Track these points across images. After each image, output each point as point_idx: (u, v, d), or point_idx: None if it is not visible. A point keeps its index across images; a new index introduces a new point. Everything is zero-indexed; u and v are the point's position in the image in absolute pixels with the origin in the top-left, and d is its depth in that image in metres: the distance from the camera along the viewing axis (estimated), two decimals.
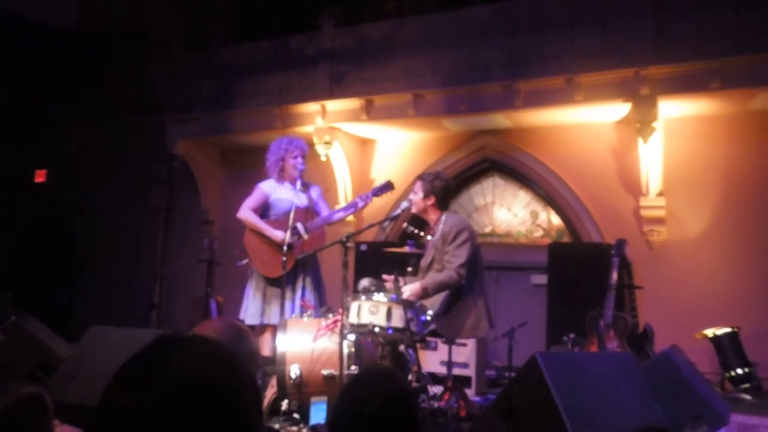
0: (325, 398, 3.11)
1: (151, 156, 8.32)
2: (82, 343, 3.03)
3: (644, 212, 6.03)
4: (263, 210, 4.50)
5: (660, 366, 3.10)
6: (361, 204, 4.38)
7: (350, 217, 6.60)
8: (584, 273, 5.34)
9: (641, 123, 5.78)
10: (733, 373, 4.87)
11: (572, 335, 4.66)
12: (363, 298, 3.46)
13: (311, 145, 5.47)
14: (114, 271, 8.43)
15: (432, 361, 4.68)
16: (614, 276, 4.50)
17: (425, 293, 3.72)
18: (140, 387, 0.83)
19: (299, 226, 4.17)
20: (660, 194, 5.97)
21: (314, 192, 4.57)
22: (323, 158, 7.13)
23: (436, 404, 3.53)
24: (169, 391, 0.83)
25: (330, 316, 3.67)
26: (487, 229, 7.03)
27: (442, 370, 4.42)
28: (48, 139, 9.01)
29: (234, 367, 0.90)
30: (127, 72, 8.52)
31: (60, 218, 9.08)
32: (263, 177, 4.63)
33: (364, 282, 3.67)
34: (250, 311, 4.24)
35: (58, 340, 3.48)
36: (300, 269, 4.26)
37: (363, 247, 6.02)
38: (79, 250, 8.93)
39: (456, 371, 4.15)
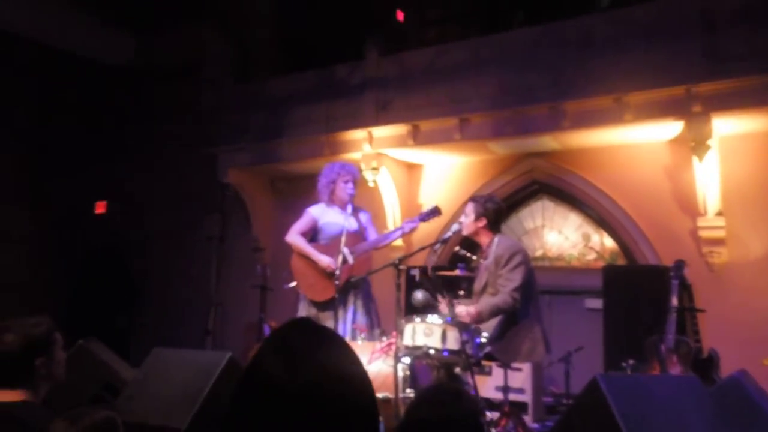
0: (380, 419, 3.09)
1: (203, 186, 8.56)
2: (145, 365, 3.11)
3: (703, 233, 5.84)
4: (312, 234, 4.56)
5: (729, 391, 2.97)
6: (408, 229, 4.41)
7: (399, 242, 6.63)
8: (642, 296, 5.18)
9: (695, 141, 5.64)
10: None
11: (632, 361, 4.51)
12: (417, 320, 3.45)
13: (359, 171, 5.57)
14: (169, 298, 8.64)
15: (487, 386, 4.60)
16: (674, 299, 4.35)
17: (480, 317, 3.68)
18: (292, 370, 0.91)
19: (345, 250, 4.21)
20: (719, 214, 5.78)
21: (363, 217, 4.62)
22: (371, 184, 7.20)
23: (493, 430, 3.47)
24: (317, 380, 0.90)
25: (384, 338, 3.67)
26: (538, 253, 6.93)
27: (496, 395, 4.34)
28: (107, 171, 9.38)
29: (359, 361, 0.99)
30: (180, 105, 8.83)
31: (119, 247, 9.39)
32: (312, 204, 4.71)
33: (419, 295, 3.66)
34: None
35: (122, 363, 3.58)
36: (351, 292, 4.28)
37: (414, 272, 6.00)
38: (137, 278, 9.20)
39: (511, 397, 4.07)
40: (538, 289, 4.01)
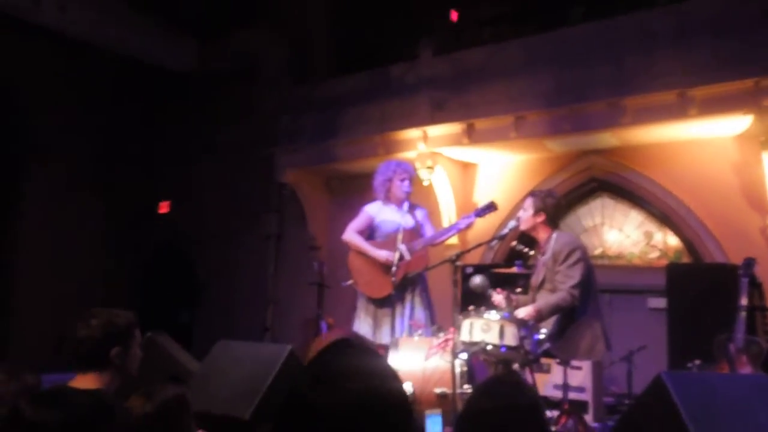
0: (439, 411, 3.10)
1: (262, 185, 8.77)
2: (211, 356, 3.23)
3: None
4: (369, 232, 4.61)
5: None
6: (464, 225, 4.40)
7: (455, 239, 6.62)
8: (708, 295, 5.00)
9: (766, 136, 5.42)
10: None
11: (698, 361, 4.36)
12: (475, 315, 3.44)
13: (414, 170, 5.61)
14: (229, 295, 8.88)
15: (546, 384, 4.53)
16: (744, 298, 4.18)
17: (539, 316, 3.64)
18: (333, 389, 0.93)
19: (402, 247, 4.24)
20: None
21: (420, 214, 4.64)
22: (426, 183, 7.20)
23: (552, 428, 3.42)
24: (357, 396, 0.91)
25: (441, 334, 3.68)
26: (597, 251, 6.78)
27: (555, 394, 4.27)
28: (171, 172, 9.73)
29: (398, 378, 1.00)
30: (239, 108, 9.08)
31: (182, 246, 9.72)
32: (367, 203, 4.76)
33: (477, 279, 3.66)
34: (361, 332, 4.33)
35: (188, 356, 3.72)
36: (408, 288, 4.30)
37: (469, 270, 5.98)
38: (199, 275, 9.49)
39: (571, 395, 3.99)
40: (598, 286, 3.94)
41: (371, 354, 1.01)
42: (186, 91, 9.79)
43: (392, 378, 0.99)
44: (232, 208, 9.09)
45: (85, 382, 2.24)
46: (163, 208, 9.59)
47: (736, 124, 5.72)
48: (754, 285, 4.81)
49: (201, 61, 9.74)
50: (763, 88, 5.30)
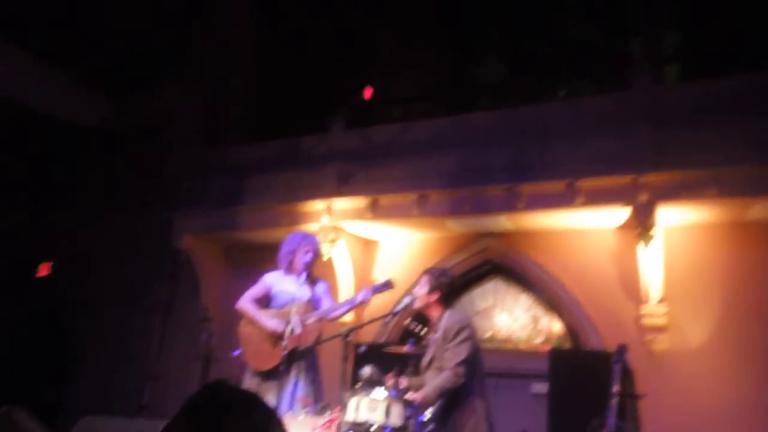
0: None
1: (155, 251, 8.35)
2: None
3: (645, 320, 5.94)
4: (266, 301, 4.54)
5: None
6: (359, 300, 4.40)
7: (350, 315, 6.56)
8: (586, 381, 5.18)
9: (641, 229, 5.85)
10: None
11: None
12: (362, 394, 3.39)
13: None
14: (107, 369, 8.17)
15: None
16: (616, 384, 4.38)
17: (426, 402, 3.63)
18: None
19: (294, 319, 4.18)
20: (661, 301, 5.92)
21: (320, 287, 4.61)
22: (326, 257, 7.15)
23: None
24: None
25: (327, 413, 3.59)
26: (488, 334, 6.92)
27: None
28: (59, 231, 9.10)
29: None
30: (142, 168, 8.78)
31: (59, 313, 8.94)
32: (265, 274, 4.69)
33: (366, 370, 3.62)
34: None
35: None
36: (296, 363, 4.20)
37: (362, 349, 5.91)
38: (74, 347, 8.72)
39: None
40: (484, 368, 3.99)
41: (239, 397, 1.01)
42: (89, 147, 9.40)
43: (261, 419, 0.99)
44: (122, 273, 8.56)
45: None
46: (43, 270, 8.89)
47: (617, 216, 6.16)
48: (626, 372, 5.05)
49: (110, 118, 9.43)
50: (640, 184, 5.76)
